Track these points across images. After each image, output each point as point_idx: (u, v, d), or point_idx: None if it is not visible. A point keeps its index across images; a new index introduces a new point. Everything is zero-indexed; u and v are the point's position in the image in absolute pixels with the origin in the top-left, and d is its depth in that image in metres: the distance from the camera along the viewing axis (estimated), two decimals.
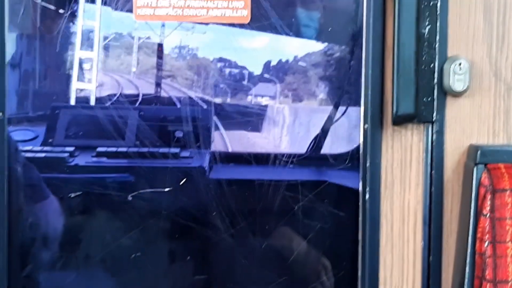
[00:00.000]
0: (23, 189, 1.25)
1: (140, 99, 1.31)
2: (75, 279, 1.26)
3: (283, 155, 1.26)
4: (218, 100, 1.30)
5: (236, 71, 1.32)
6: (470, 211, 1.14)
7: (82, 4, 1.28)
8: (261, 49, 1.31)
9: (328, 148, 1.30)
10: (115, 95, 1.30)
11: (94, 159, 1.29)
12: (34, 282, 1.26)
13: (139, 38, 1.31)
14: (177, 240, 1.26)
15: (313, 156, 1.29)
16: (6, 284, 1.20)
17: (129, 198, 1.24)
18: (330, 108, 1.31)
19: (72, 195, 1.25)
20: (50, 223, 1.27)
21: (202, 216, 1.25)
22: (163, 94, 1.32)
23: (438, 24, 1.14)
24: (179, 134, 1.28)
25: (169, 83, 1.31)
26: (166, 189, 1.25)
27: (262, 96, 1.33)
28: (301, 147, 1.31)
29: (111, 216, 1.26)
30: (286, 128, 1.32)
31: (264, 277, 1.26)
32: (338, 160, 1.26)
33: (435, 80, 1.15)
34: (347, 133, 1.28)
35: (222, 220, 1.24)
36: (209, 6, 1.19)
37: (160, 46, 1.31)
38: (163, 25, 1.29)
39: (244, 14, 1.20)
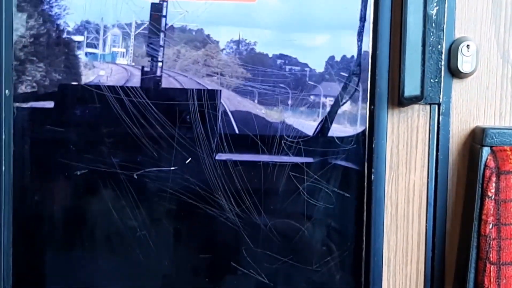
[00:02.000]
0: (29, 167, 1.25)
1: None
2: (81, 258, 1.27)
3: (289, 136, 1.26)
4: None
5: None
6: (475, 193, 1.14)
7: None
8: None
9: (335, 130, 1.30)
10: (125, 80, 1.30)
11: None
12: (39, 262, 1.27)
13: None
14: (182, 220, 1.26)
15: (320, 137, 1.29)
16: (12, 265, 1.21)
17: (135, 176, 1.25)
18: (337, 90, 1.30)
19: (79, 173, 1.26)
20: (57, 203, 1.28)
21: (208, 197, 1.25)
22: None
23: (446, 5, 1.14)
24: (186, 115, 1.28)
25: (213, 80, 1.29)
26: (173, 169, 1.25)
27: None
28: (309, 129, 1.31)
29: (118, 195, 1.26)
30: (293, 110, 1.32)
31: (270, 257, 1.26)
32: (344, 141, 1.26)
33: (442, 62, 1.15)
34: (354, 114, 1.28)
35: (228, 201, 1.24)
36: None
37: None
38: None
39: None
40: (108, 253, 1.28)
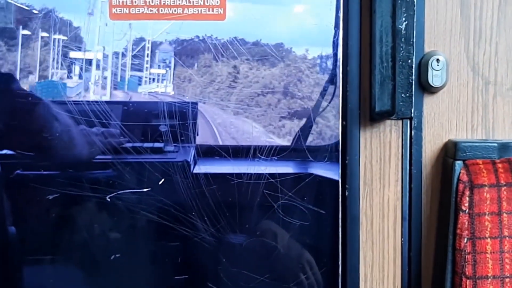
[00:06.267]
0: None
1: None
2: (53, 278, 1.26)
3: (266, 147, 1.25)
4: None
5: None
6: (449, 207, 1.14)
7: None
8: None
9: (312, 141, 1.29)
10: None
11: None
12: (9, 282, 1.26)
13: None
14: (160, 236, 1.25)
15: (297, 149, 1.28)
16: None
17: (108, 199, 1.23)
18: (313, 102, 1.30)
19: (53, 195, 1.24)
20: (29, 226, 1.26)
21: (185, 211, 1.24)
22: None
23: (415, 19, 1.13)
24: (163, 128, 1.27)
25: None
26: (149, 186, 1.24)
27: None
28: (286, 140, 1.30)
29: (93, 213, 1.25)
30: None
31: (248, 275, 1.26)
32: (320, 153, 1.26)
33: (413, 76, 1.14)
34: (329, 127, 1.27)
35: (206, 215, 1.24)
36: (185, 5, 1.18)
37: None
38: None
39: (220, 12, 1.19)
40: (82, 276, 1.26)
